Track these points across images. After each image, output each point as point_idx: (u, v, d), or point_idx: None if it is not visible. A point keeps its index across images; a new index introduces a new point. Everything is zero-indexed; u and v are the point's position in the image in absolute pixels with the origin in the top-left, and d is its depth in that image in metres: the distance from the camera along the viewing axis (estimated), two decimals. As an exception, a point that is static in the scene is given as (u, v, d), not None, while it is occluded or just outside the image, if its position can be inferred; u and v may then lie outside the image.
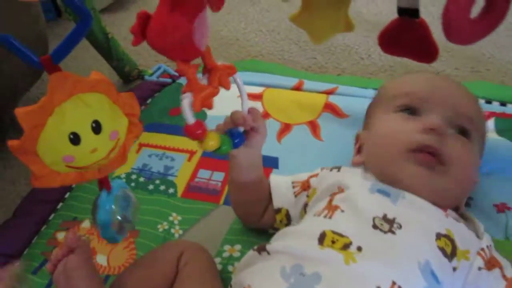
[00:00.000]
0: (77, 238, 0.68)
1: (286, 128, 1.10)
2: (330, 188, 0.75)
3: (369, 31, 1.46)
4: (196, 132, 0.63)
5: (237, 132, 0.71)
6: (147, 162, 1.08)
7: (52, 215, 1.02)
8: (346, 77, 1.26)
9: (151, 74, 1.35)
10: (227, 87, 0.63)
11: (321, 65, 1.39)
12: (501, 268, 0.68)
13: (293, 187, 0.83)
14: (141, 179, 1.03)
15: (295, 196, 0.82)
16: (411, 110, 0.78)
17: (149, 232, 0.92)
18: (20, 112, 0.51)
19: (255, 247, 0.70)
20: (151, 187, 1.01)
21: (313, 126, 1.09)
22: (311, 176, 0.83)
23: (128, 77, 1.38)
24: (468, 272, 0.66)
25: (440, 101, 0.77)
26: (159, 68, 1.37)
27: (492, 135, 0.94)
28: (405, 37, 0.57)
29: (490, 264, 0.68)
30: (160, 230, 0.93)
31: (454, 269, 0.65)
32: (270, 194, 0.84)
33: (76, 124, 0.54)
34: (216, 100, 1.18)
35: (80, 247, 0.67)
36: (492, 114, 1.00)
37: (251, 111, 0.73)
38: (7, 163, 1.24)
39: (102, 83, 0.56)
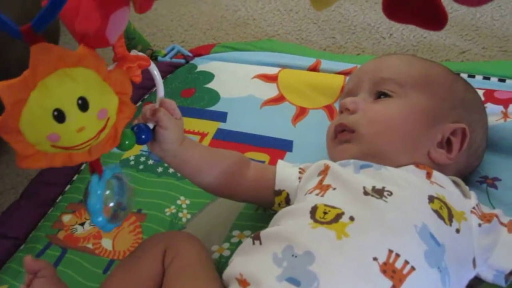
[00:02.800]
0: (34, 262, 0.67)
1: (301, 112, 1.06)
2: (317, 167, 0.76)
3: (391, 10, 1.39)
4: None
5: (144, 127, 0.67)
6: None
7: (60, 198, 1.00)
8: (366, 56, 1.20)
9: (165, 55, 1.31)
10: (136, 80, 0.59)
11: (340, 45, 1.33)
12: (497, 216, 0.69)
13: (299, 172, 0.79)
14: (150, 162, 1.00)
15: (299, 181, 0.78)
16: (347, 94, 0.84)
17: (156, 215, 0.90)
18: (0, 85, 0.47)
19: (252, 235, 0.68)
20: (160, 169, 0.98)
21: (330, 111, 1.04)
22: None
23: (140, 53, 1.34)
24: (472, 232, 0.66)
25: (365, 78, 0.82)
26: (173, 49, 1.33)
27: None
28: (411, 1, 0.51)
29: (486, 218, 0.68)
30: (168, 213, 0.90)
31: (458, 230, 0.65)
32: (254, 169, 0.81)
33: (61, 100, 0.50)
34: (229, 81, 1.16)
35: (42, 269, 0.67)
36: (521, 95, 0.94)
37: (162, 104, 0.69)
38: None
39: (90, 58, 0.52)
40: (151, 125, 0.68)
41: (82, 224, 0.92)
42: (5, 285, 0.85)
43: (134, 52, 0.60)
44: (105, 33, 0.50)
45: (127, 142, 0.63)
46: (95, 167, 0.60)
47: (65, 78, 0.50)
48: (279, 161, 0.83)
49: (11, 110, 0.49)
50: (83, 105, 0.51)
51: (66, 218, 0.94)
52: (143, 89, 1.19)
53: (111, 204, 0.62)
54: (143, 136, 0.66)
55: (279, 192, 0.79)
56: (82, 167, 1.04)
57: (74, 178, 1.03)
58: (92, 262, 0.86)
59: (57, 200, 0.99)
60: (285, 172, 0.80)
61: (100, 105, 0.53)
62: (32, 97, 0.49)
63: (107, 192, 0.61)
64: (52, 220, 0.94)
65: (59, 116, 0.50)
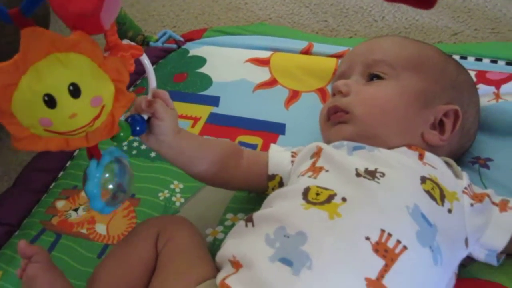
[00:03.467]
0: (27, 247, 0.67)
1: (294, 95, 1.06)
2: (310, 150, 0.76)
3: (383, -8, 1.39)
4: None
5: (139, 118, 0.66)
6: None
7: (53, 184, 1.00)
8: (358, 39, 1.20)
9: (156, 40, 1.31)
10: (130, 69, 0.57)
11: (333, 28, 1.33)
12: (488, 196, 0.70)
13: (292, 156, 0.79)
14: (143, 147, 1.00)
15: (292, 164, 0.79)
16: (339, 76, 0.84)
17: (150, 200, 0.90)
18: None
19: (245, 217, 0.69)
20: (153, 154, 0.98)
21: (323, 94, 1.04)
22: None
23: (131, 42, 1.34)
24: (464, 212, 0.67)
25: (357, 60, 0.82)
26: (164, 34, 1.32)
27: (511, 98, 0.89)
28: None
29: (478, 198, 0.69)
30: (161, 198, 0.90)
31: (450, 211, 0.66)
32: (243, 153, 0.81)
33: (51, 85, 0.50)
34: (222, 65, 1.16)
35: (36, 254, 0.67)
36: (512, 76, 0.95)
37: (154, 94, 0.68)
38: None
39: (84, 43, 0.51)
40: (145, 117, 0.67)
41: (75, 210, 0.92)
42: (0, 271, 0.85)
43: (126, 41, 0.59)
44: (99, 17, 0.49)
45: (122, 134, 0.62)
46: (93, 153, 0.60)
47: (56, 63, 0.50)
48: (272, 146, 0.83)
49: (2, 93, 0.49)
50: (75, 91, 0.51)
51: (60, 204, 0.94)
52: (135, 75, 1.18)
53: (111, 186, 0.62)
54: (138, 128, 0.66)
55: (272, 177, 0.79)
56: (75, 153, 1.04)
57: (67, 164, 1.03)
58: (86, 247, 0.86)
59: (51, 187, 0.99)
60: (278, 156, 0.80)
61: (93, 92, 0.52)
62: (23, 82, 0.49)
63: (106, 175, 0.61)
64: (45, 206, 0.94)
65: (50, 102, 0.50)
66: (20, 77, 0.49)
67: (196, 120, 1.04)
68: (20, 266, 0.68)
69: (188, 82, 1.14)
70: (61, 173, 1.02)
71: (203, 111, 1.06)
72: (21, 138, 0.53)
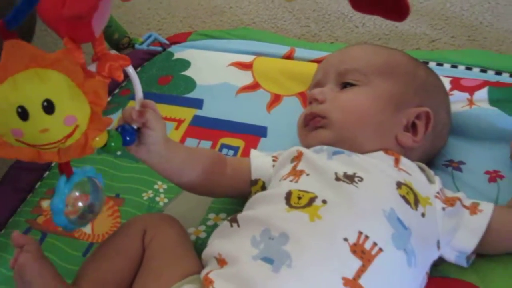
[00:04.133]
0: (21, 236, 0.69)
1: (276, 99, 1.08)
2: (290, 154, 0.78)
3: (364, -1, 1.43)
4: None
5: (129, 128, 0.66)
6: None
7: (38, 183, 1.01)
8: (339, 45, 1.23)
9: (142, 43, 1.32)
10: (119, 79, 0.59)
11: (315, 34, 1.36)
12: (460, 199, 0.73)
13: (273, 160, 0.82)
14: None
15: (273, 168, 0.81)
16: (315, 85, 0.87)
17: (134, 200, 0.92)
18: None
19: (229, 218, 0.71)
20: (137, 155, 1.00)
21: (304, 98, 1.06)
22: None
23: (117, 45, 1.35)
24: (436, 215, 0.70)
25: (331, 69, 0.85)
26: (149, 36, 1.34)
27: (484, 105, 0.92)
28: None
29: (449, 202, 0.73)
30: (145, 198, 0.92)
31: (423, 215, 0.69)
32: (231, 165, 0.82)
33: (26, 98, 0.51)
34: (206, 69, 1.18)
35: (28, 244, 0.68)
36: (485, 83, 0.98)
37: (143, 104, 0.68)
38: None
39: (65, 62, 0.52)
40: (134, 126, 0.67)
41: (61, 209, 0.93)
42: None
43: (113, 52, 0.60)
44: (91, 23, 0.51)
45: (113, 144, 0.63)
46: (63, 169, 0.61)
47: (34, 77, 0.51)
48: (252, 151, 0.85)
49: None
50: (48, 107, 0.51)
51: (46, 203, 0.95)
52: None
53: (80, 204, 0.63)
54: (128, 138, 0.65)
55: (255, 182, 0.81)
56: (61, 154, 1.06)
57: (53, 164, 1.04)
58: (71, 245, 0.87)
59: (36, 186, 1.01)
60: (259, 161, 0.82)
61: (67, 111, 0.53)
62: (0, 90, 0.50)
63: (77, 193, 0.63)
64: (31, 206, 0.96)
65: (23, 114, 0.51)
66: None
67: (180, 122, 1.06)
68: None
69: (173, 85, 1.16)
70: (47, 172, 1.03)
71: (187, 114, 1.08)
72: None
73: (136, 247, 0.74)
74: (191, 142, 1.01)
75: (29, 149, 0.55)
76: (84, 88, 0.54)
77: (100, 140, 0.61)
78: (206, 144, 1.00)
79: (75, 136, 0.55)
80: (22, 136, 0.52)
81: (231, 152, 0.98)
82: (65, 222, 0.63)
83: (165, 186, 0.93)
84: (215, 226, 0.84)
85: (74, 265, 0.82)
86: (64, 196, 0.62)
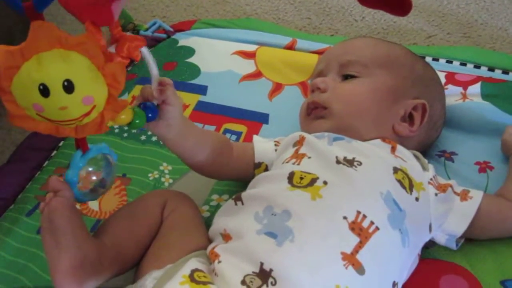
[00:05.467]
0: (58, 181, 0.68)
1: (277, 87, 1.12)
2: (292, 138, 0.82)
3: (364, -6, 1.46)
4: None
5: (151, 105, 0.70)
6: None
7: (46, 162, 1.04)
8: (339, 37, 1.27)
9: (146, 29, 1.35)
10: (136, 59, 0.61)
11: (315, 26, 1.40)
12: (451, 186, 0.77)
13: (275, 145, 0.85)
14: (134, 130, 1.05)
15: (275, 152, 0.84)
16: (317, 75, 0.90)
17: (140, 180, 0.95)
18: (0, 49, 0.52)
19: (233, 196, 0.75)
20: (143, 137, 1.04)
21: (304, 87, 1.10)
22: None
23: (123, 30, 1.38)
24: (429, 200, 0.75)
25: (333, 60, 0.89)
26: (154, 23, 1.37)
27: (477, 99, 0.97)
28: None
29: (441, 188, 0.76)
30: (151, 178, 0.95)
31: (417, 199, 0.73)
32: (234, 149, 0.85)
33: (48, 76, 0.54)
34: (210, 56, 1.21)
35: (63, 190, 0.67)
36: (479, 78, 1.02)
37: (161, 82, 0.71)
38: (2, 111, 1.25)
39: (87, 46, 0.55)
40: (154, 102, 0.70)
41: (69, 187, 0.96)
42: (-4, 242, 0.89)
43: (129, 33, 0.64)
44: (111, 7, 0.55)
45: (137, 121, 0.66)
46: (80, 145, 0.65)
47: (58, 58, 0.54)
48: (254, 137, 0.88)
49: (4, 73, 0.53)
50: (68, 87, 0.54)
51: (54, 180, 0.98)
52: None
53: (94, 178, 0.67)
54: (150, 114, 0.69)
55: (258, 165, 0.84)
56: (68, 134, 1.09)
57: (60, 144, 1.07)
58: (79, 221, 0.91)
59: (44, 165, 1.04)
60: (262, 146, 0.85)
61: (86, 92, 0.56)
62: (24, 67, 0.53)
63: (90, 168, 0.66)
64: (40, 183, 0.99)
65: (44, 91, 0.54)
66: (23, 62, 0.54)
67: (184, 107, 1.09)
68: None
69: (177, 71, 1.19)
70: (54, 152, 1.06)
71: (191, 99, 1.11)
72: (16, 115, 0.57)
73: (155, 217, 0.77)
74: (195, 126, 1.05)
75: (48, 124, 0.58)
76: (103, 71, 0.57)
77: (125, 117, 0.65)
78: (210, 129, 1.04)
79: (92, 115, 0.58)
80: (42, 111, 0.55)
81: (234, 137, 1.02)
82: (77, 194, 0.67)
83: (170, 168, 0.97)
84: (218, 206, 0.88)
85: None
86: (78, 169, 0.66)
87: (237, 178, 0.89)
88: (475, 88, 0.99)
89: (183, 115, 0.75)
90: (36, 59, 0.54)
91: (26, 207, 0.94)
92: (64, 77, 0.54)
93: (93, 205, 0.93)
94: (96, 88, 0.57)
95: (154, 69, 0.69)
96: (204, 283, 0.64)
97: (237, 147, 0.85)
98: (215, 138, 0.83)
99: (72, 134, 0.59)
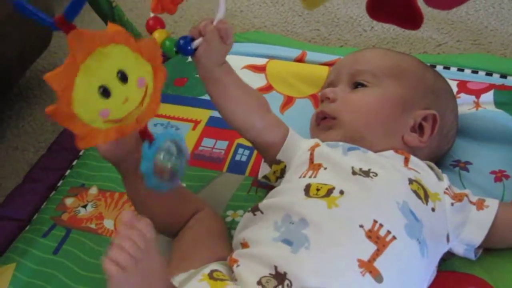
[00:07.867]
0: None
1: (288, 101, 1.12)
2: (308, 144, 0.82)
3: (372, 3, 1.46)
4: (149, 24, 0.75)
5: (189, 36, 0.74)
6: (153, 131, 1.09)
7: (61, 182, 1.05)
8: (348, 48, 1.27)
9: (156, 45, 1.36)
10: (173, 11, 0.68)
11: (324, 37, 1.40)
12: (467, 196, 0.77)
13: (308, 150, 0.82)
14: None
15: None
16: (328, 85, 0.91)
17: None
18: (48, 76, 0.52)
19: (250, 209, 0.76)
20: (157, 156, 1.04)
21: (315, 100, 1.10)
22: None
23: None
24: (445, 210, 0.75)
25: (344, 70, 0.89)
26: (164, 39, 1.37)
27: (490, 107, 0.96)
28: (391, 3, 0.58)
29: (457, 197, 0.76)
30: (166, 196, 0.95)
31: (433, 209, 0.73)
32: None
33: (102, 76, 0.55)
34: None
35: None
36: (491, 86, 1.01)
37: (218, 24, 0.74)
38: (16, 132, 1.26)
39: (120, 34, 0.57)
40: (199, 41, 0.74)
41: (84, 206, 0.97)
42: (13, 263, 0.90)
43: None
44: None
45: (168, 42, 0.73)
46: (144, 135, 0.64)
47: (101, 56, 0.55)
48: (291, 130, 0.86)
49: (62, 95, 0.53)
50: (123, 77, 0.56)
51: (69, 201, 0.99)
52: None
53: (169, 166, 0.65)
54: (182, 42, 0.73)
55: (278, 162, 0.84)
56: (81, 153, 1.09)
57: (74, 163, 1.08)
58: (95, 241, 0.92)
59: (58, 184, 1.05)
60: (292, 144, 0.84)
61: (137, 74, 0.58)
62: (78, 80, 0.54)
63: (161, 156, 0.65)
64: (55, 203, 1.00)
65: (105, 92, 0.55)
66: (74, 78, 0.54)
67: (196, 123, 1.10)
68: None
69: (188, 87, 1.19)
70: (68, 171, 1.07)
71: (203, 115, 1.11)
72: (84, 135, 0.57)
73: (184, 219, 0.82)
74: (208, 142, 1.05)
75: (114, 128, 0.58)
76: (140, 50, 0.59)
77: (159, 36, 0.74)
78: (222, 144, 1.04)
79: (148, 95, 0.60)
80: (108, 114, 0.56)
81: (247, 152, 1.01)
82: (157, 183, 0.66)
83: (184, 185, 0.96)
84: (232, 222, 0.88)
85: (98, 260, 0.85)
86: (150, 160, 0.64)
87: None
88: (488, 96, 0.99)
89: (221, 61, 0.78)
90: (85, 67, 0.54)
91: (42, 228, 0.95)
92: (116, 70, 0.56)
93: (109, 224, 0.93)
94: (142, 67, 0.59)
95: (222, 10, 0.73)
96: (222, 280, 0.66)
97: (271, 120, 0.85)
98: (253, 94, 0.85)
99: (136, 127, 0.60)
